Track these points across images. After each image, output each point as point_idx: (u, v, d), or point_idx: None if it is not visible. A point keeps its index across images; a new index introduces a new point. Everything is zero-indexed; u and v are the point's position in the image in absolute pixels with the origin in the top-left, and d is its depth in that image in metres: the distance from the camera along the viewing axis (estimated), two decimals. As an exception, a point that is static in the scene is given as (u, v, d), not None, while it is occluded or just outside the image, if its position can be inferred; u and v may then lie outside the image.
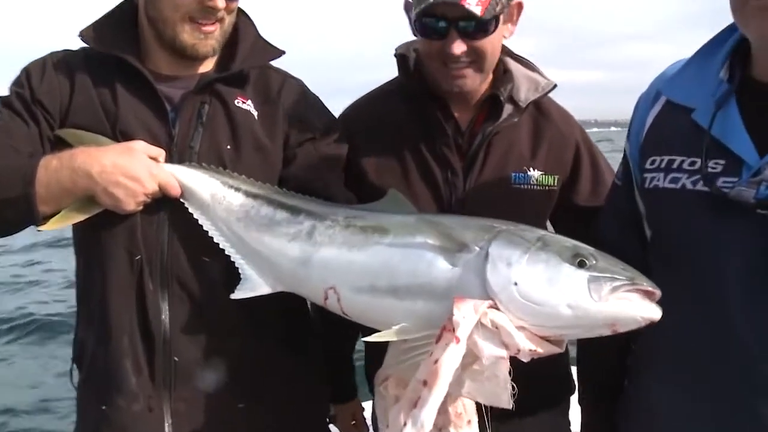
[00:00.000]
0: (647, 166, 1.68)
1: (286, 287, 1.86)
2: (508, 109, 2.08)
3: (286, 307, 1.94)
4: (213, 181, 1.90)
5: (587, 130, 2.29)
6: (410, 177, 2.08)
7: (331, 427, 2.16)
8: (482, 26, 1.92)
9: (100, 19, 1.97)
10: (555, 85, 2.15)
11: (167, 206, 1.88)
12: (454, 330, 1.45)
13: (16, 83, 1.91)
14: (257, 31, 2.06)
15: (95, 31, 1.94)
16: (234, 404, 1.92)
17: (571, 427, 2.26)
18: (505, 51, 2.14)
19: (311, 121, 2.05)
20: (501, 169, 2.08)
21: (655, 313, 1.42)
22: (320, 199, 1.89)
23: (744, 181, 1.43)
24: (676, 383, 1.57)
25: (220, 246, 1.90)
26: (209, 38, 1.90)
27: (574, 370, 2.20)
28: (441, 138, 2.07)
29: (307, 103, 2.08)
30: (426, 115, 2.08)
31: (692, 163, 1.56)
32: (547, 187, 2.11)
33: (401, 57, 2.15)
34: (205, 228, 1.91)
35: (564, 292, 1.44)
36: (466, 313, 1.46)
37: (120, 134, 1.87)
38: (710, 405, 1.49)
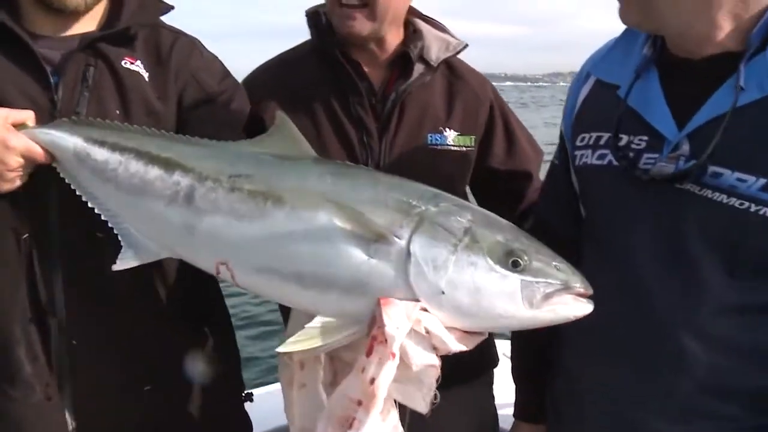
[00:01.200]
0: (578, 143, 1.63)
1: (172, 254, 1.67)
2: (419, 68, 2.04)
3: (192, 283, 1.81)
4: (75, 138, 1.67)
5: (500, 84, 2.18)
6: (325, 139, 1.97)
7: (247, 405, 2.07)
8: None
9: None
10: (466, 45, 2.12)
11: (56, 177, 1.70)
12: (386, 342, 1.35)
13: None
14: None
15: None
16: (140, 387, 1.81)
17: (496, 401, 2.29)
18: (415, 12, 2.11)
19: (206, 81, 1.89)
20: (417, 130, 2.04)
21: (586, 310, 1.38)
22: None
23: (664, 157, 1.41)
24: (599, 358, 1.57)
25: (96, 211, 1.68)
26: None
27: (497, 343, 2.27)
28: (355, 98, 2.00)
29: (202, 61, 1.91)
30: (339, 76, 2.01)
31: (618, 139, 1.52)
32: (464, 148, 2.08)
33: (313, 15, 2.01)
34: (78, 192, 1.69)
35: (496, 301, 1.34)
36: (399, 323, 1.34)
37: None
38: (632, 378, 1.50)
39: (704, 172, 1.36)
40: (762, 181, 1.31)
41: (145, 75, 1.81)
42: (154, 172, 1.62)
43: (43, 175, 1.69)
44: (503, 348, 2.17)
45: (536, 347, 1.77)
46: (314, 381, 1.64)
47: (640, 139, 1.48)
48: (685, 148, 1.39)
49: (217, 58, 1.97)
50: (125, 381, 1.80)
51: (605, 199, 1.56)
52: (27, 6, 1.76)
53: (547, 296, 1.34)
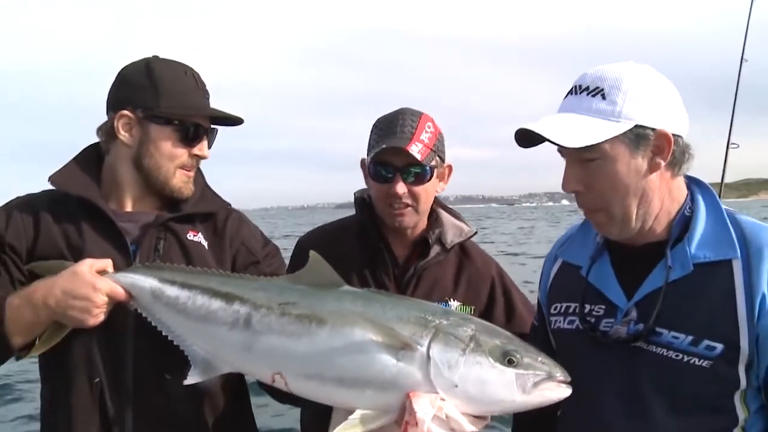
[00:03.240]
0: (552, 311, 2.10)
1: (234, 369, 2.05)
2: (436, 249, 2.54)
3: (240, 414, 2.26)
4: (150, 280, 2.09)
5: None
6: None
7: None
8: (420, 174, 2.41)
9: (68, 164, 2.27)
10: (475, 232, 2.66)
11: (131, 327, 2.10)
12: (417, 425, 1.74)
13: None
14: (204, 179, 2.42)
15: (64, 177, 2.22)
16: None
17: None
18: (439, 203, 2.64)
19: (253, 246, 2.35)
20: (426, 298, 2.44)
21: (565, 393, 1.81)
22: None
23: (618, 321, 1.86)
24: None
25: (169, 338, 2.07)
26: (189, 182, 2.29)
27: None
28: (381, 268, 2.50)
29: (249, 232, 2.40)
30: (372, 249, 2.52)
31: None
32: None
33: (360, 201, 2.53)
34: (153, 323, 2.08)
35: (497, 390, 1.77)
36: (426, 409, 1.74)
37: None
38: None
39: (651, 333, 1.80)
40: (690, 337, 1.76)
41: (205, 244, 2.29)
42: (217, 303, 2.04)
43: (120, 328, 2.10)
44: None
45: None
46: None
47: (599, 308, 1.92)
48: (634, 314, 1.84)
49: (258, 228, 2.47)
50: None
51: (574, 356, 1.96)
52: (124, 188, 2.25)
53: (536, 384, 1.78)
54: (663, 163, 1.81)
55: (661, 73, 1.87)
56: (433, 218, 2.60)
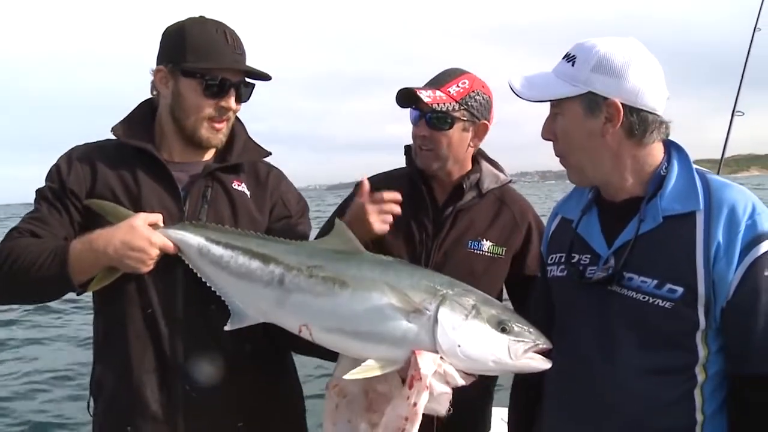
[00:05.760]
0: (549, 261, 2.36)
1: (267, 319, 2.36)
2: (471, 193, 2.85)
3: (276, 346, 2.51)
4: (198, 238, 2.36)
5: None
6: (398, 235, 2.72)
7: None
8: (438, 121, 2.70)
9: (127, 117, 2.51)
10: (510, 180, 2.97)
11: (181, 267, 2.36)
12: (421, 379, 2.06)
13: (49, 178, 2.41)
14: (247, 132, 2.65)
15: (124, 128, 2.47)
16: (235, 423, 2.45)
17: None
18: (482, 154, 2.93)
19: (289, 202, 2.62)
20: (461, 237, 2.81)
21: (546, 365, 2.10)
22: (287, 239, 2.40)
23: (599, 268, 2.12)
24: (557, 411, 2.24)
25: (212, 289, 2.36)
26: (219, 133, 2.47)
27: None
28: (422, 210, 2.83)
29: (287, 188, 2.69)
30: (415, 192, 2.83)
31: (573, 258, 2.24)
32: (495, 255, 2.83)
33: (407, 150, 2.85)
34: (199, 275, 2.36)
35: (492, 353, 2.07)
36: (429, 366, 2.06)
37: (141, 210, 2.36)
38: (575, 424, 2.15)
39: (622, 277, 2.04)
40: (655, 281, 1.99)
41: (248, 193, 2.54)
42: (256, 263, 2.33)
43: (171, 266, 2.37)
44: (500, 414, 2.94)
45: (528, 404, 2.47)
46: (356, 415, 2.31)
47: (586, 257, 2.17)
48: (611, 261, 2.08)
49: (293, 186, 2.72)
50: (225, 417, 2.42)
51: (564, 298, 2.25)
52: (170, 138, 2.48)
53: (525, 351, 2.08)
54: (612, 130, 2.04)
55: (647, 52, 2.09)
56: (475, 166, 2.88)
